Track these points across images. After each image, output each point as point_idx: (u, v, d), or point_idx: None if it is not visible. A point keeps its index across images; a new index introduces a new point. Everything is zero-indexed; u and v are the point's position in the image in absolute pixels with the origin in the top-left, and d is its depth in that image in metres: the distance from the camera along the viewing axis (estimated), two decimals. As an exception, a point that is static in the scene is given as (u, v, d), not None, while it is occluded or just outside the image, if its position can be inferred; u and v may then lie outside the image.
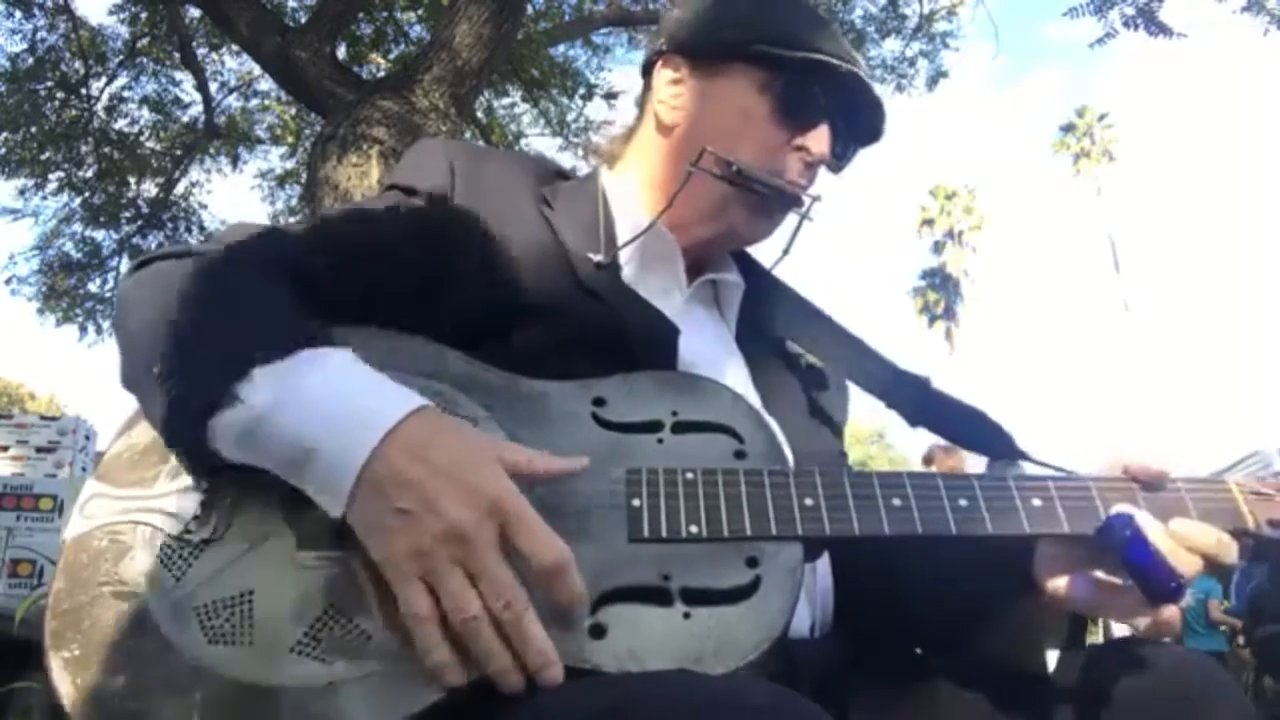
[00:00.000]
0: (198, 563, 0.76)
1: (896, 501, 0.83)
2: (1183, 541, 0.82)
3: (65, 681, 0.71)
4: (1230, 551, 0.83)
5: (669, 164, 1.11)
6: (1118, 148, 33.19)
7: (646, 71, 1.17)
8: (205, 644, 0.72)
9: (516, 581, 0.70)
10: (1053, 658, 0.97)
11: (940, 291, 34.19)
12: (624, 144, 1.20)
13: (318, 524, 0.76)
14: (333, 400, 0.76)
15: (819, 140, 1.06)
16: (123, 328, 0.89)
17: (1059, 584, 0.87)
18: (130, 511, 0.79)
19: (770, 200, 1.07)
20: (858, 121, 1.11)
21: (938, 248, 34.71)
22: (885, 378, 1.10)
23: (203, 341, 0.80)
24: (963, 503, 0.84)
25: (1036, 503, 0.85)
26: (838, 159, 1.11)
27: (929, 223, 34.72)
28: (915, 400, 1.08)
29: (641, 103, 1.19)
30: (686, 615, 0.75)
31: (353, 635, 0.72)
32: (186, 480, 0.81)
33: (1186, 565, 0.81)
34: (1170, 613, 0.81)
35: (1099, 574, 0.86)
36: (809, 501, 0.82)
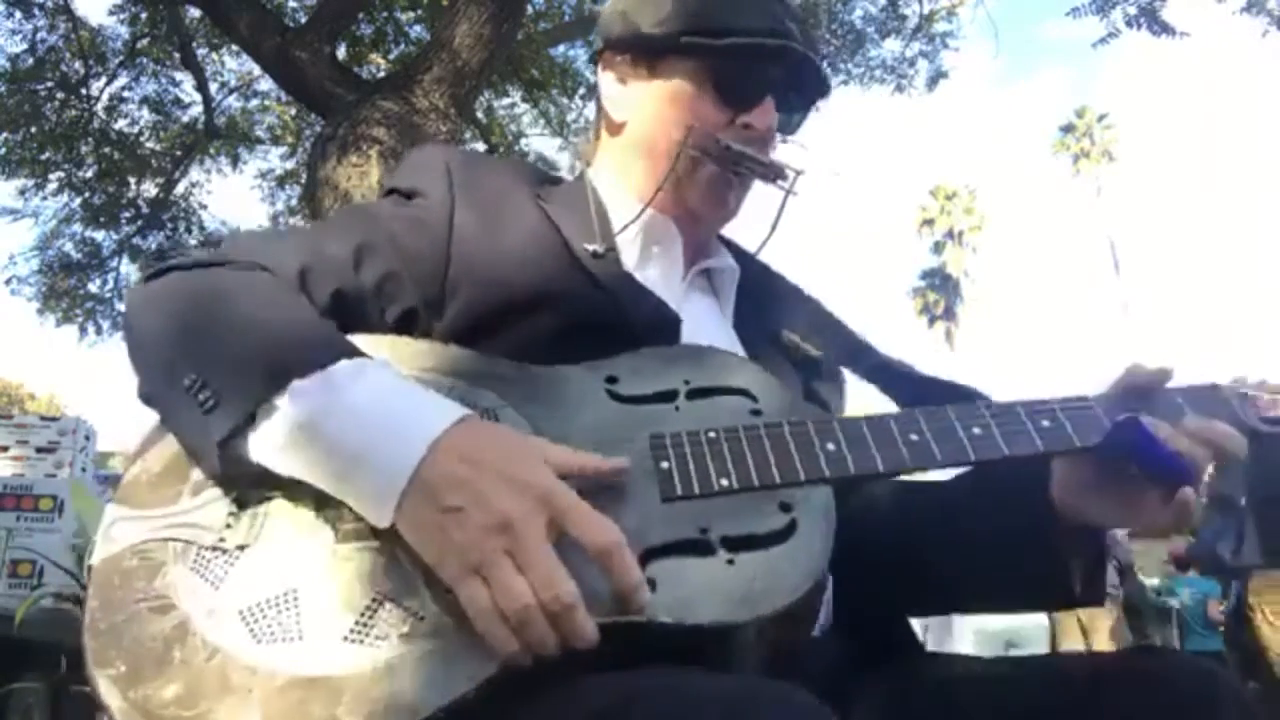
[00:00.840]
0: (235, 568, 0.77)
1: (914, 437, 0.86)
2: (1194, 435, 0.87)
3: (115, 697, 0.71)
4: (1238, 443, 0.88)
5: (633, 161, 1.13)
6: (1118, 148, 33.25)
7: (595, 63, 1.19)
8: (255, 645, 0.72)
9: (565, 572, 0.70)
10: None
11: (940, 292, 34.22)
12: (595, 144, 1.22)
13: (353, 516, 0.77)
14: (378, 411, 0.77)
15: (761, 116, 1.08)
16: (139, 343, 0.89)
17: (1076, 503, 0.92)
18: (157, 530, 0.80)
19: (726, 175, 1.08)
20: (800, 87, 1.13)
21: (938, 248, 34.75)
22: (875, 364, 1.14)
23: (236, 354, 0.81)
24: (977, 431, 0.87)
25: (1045, 423, 0.89)
26: (785, 127, 1.13)
27: (929, 223, 34.75)
28: (905, 385, 1.11)
29: (598, 99, 1.20)
30: (730, 562, 0.76)
31: (405, 617, 0.73)
32: (209, 495, 0.81)
33: (1200, 457, 0.86)
34: (1186, 495, 0.85)
35: (1111, 489, 0.90)
36: (831, 446, 0.85)
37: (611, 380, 0.89)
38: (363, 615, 0.73)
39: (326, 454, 0.76)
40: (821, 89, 1.15)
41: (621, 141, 1.15)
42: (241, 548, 0.78)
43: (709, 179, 1.08)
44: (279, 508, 0.80)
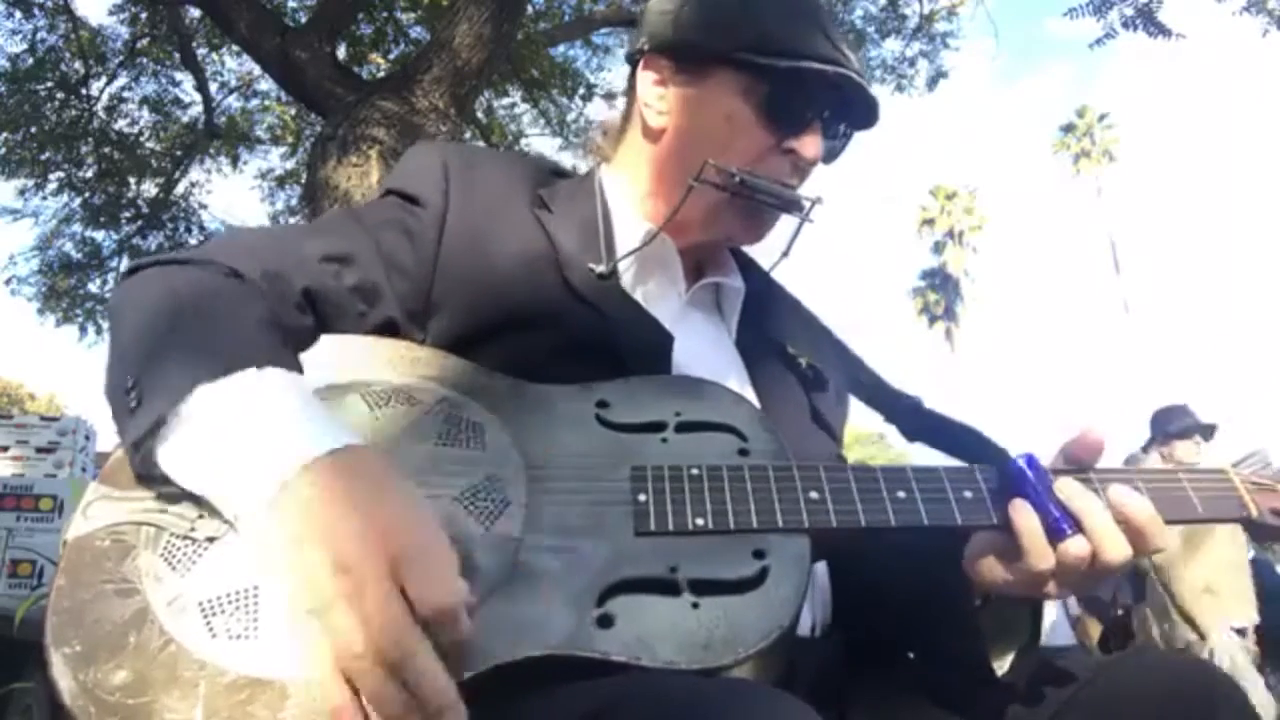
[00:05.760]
0: (202, 559, 0.76)
1: (901, 494, 0.84)
2: (1117, 509, 0.81)
3: (66, 677, 0.71)
4: (1159, 535, 0.81)
5: (661, 170, 1.10)
6: (1118, 148, 33.25)
7: (632, 62, 1.15)
8: (209, 639, 0.72)
9: (407, 618, 0.65)
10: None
11: (940, 292, 34.24)
12: (616, 141, 1.19)
13: None
14: (255, 428, 0.74)
15: (809, 145, 1.05)
16: (110, 340, 0.89)
17: (975, 568, 0.88)
18: (134, 512, 0.79)
19: (767, 206, 1.06)
20: (849, 117, 1.10)
21: (938, 248, 34.77)
22: (881, 392, 1.11)
23: (164, 358, 0.80)
24: (967, 495, 0.85)
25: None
26: (827, 156, 1.10)
27: (929, 223, 34.76)
28: (910, 416, 1.09)
29: (629, 98, 1.16)
30: (695, 605, 0.75)
31: None
32: None
33: (1112, 544, 0.80)
34: (1045, 562, 0.80)
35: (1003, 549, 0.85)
36: (814, 495, 0.83)
37: (602, 405, 0.89)
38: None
39: (206, 465, 0.75)
40: (870, 120, 1.10)
41: (655, 149, 1.11)
42: (211, 539, 0.77)
43: (752, 209, 1.06)
44: None
